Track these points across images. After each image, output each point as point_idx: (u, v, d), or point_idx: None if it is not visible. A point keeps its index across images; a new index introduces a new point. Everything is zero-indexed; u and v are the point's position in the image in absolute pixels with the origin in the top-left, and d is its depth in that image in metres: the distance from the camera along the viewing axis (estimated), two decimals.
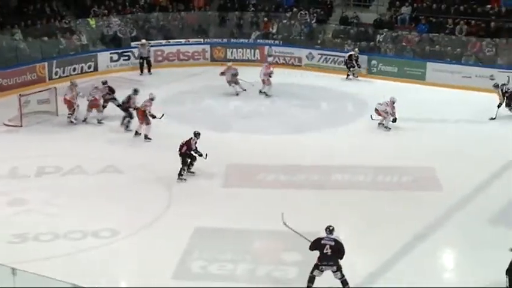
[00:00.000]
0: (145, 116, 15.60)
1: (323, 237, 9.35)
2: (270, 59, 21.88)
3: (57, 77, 20.90)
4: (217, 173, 13.82)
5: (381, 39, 22.79)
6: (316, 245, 9.35)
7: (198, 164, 14.01)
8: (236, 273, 10.23)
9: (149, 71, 21.95)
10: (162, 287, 9.69)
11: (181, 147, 13.39)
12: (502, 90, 17.24)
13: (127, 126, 16.36)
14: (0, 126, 16.55)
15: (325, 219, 11.73)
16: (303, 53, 23.12)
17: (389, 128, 16.35)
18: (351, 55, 21.55)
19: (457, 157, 14.74)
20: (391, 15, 23.78)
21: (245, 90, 19.53)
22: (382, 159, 14.65)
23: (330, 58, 22.69)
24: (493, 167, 14.13)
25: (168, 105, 17.93)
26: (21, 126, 16.59)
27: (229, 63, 20.17)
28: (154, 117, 15.60)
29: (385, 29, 22.87)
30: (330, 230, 9.37)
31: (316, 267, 9.35)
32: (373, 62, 22.13)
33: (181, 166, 13.35)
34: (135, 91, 16.51)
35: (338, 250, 9.27)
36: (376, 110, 16.52)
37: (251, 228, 11.51)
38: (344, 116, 18.15)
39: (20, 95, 16.99)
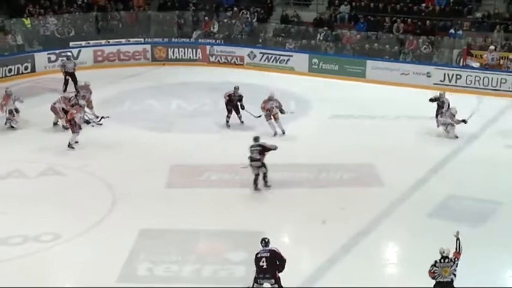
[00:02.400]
0: (73, 125, 15.10)
1: (259, 251, 9.02)
2: (212, 59, 21.73)
3: None
4: (161, 174, 13.70)
5: (321, 38, 23.06)
6: (254, 260, 9.03)
7: (141, 165, 13.88)
8: (182, 274, 10.18)
9: (76, 87, 18.79)
10: None
11: None
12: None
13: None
14: None
15: (267, 217, 11.94)
16: (244, 52, 23.17)
17: (457, 137, 15.88)
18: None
19: (397, 153, 15.05)
20: (330, 14, 24.12)
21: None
22: (323, 157, 14.80)
23: (271, 57, 22.83)
24: (431, 163, 14.48)
25: (109, 106, 17.69)
26: None
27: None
28: (88, 122, 15.38)
29: (325, 28, 23.16)
30: (265, 242, 9.06)
31: (255, 280, 9.05)
32: (314, 60, 22.36)
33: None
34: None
35: (275, 262, 8.95)
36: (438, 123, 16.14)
37: (196, 228, 11.47)
38: (286, 115, 18.23)
39: None
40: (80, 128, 15.15)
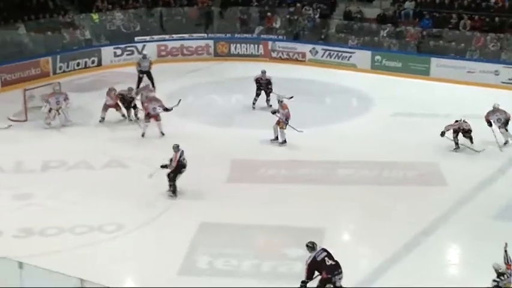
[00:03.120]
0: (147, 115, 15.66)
1: (314, 256, 8.85)
2: (273, 55, 21.72)
3: (61, 71, 20.97)
4: (222, 168, 13.83)
5: (384, 34, 22.76)
6: (314, 267, 8.81)
7: (203, 158, 14.06)
8: (241, 269, 10.25)
9: (153, 86, 19.06)
10: (169, 282, 9.70)
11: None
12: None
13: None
14: (4, 121, 16.57)
15: (328, 215, 11.89)
16: (306, 48, 23.09)
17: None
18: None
19: (462, 152, 14.74)
20: (394, 10, 23.75)
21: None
22: (386, 155, 14.64)
23: (333, 53, 22.67)
24: (497, 163, 14.13)
25: (171, 100, 17.90)
26: (25, 120, 16.62)
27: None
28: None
29: (389, 24, 22.83)
30: (312, 245, 8.93)
31: (327, 280, 8.76)
32: (377, 57, 22.08)
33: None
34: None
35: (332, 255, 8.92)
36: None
37: (256, 224, 11.52)
38: (348, 111, 18.15)
39: (24, 89, 17.01)
40: (149, 121, 15.58)
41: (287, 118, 15.21)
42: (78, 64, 21.50)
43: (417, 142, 15.32)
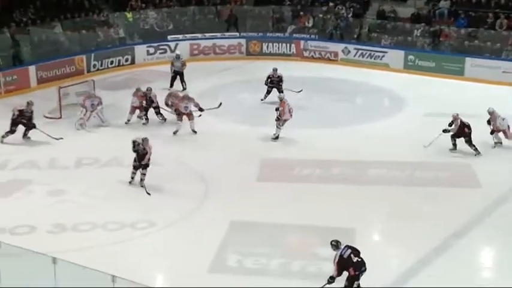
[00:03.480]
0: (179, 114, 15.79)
1: (341, 254, 8.91)
2: (305, 54, 21.69)
3: (95, 69, 21.25)
4: (252, 167, 13.86)
5: (418, 34, 22.53)
6: (342, 265, 8.87)
7: (233, 157, 14.09)
8: (270, 268, 10.27)
9: (183, 87, 19.31)
10: (199, 279, 9.78)
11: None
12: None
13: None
14: (40, 118, 16.82)
15: (359, 215, 11.83)
16: (338, 47, 23.00)
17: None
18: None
19: (496, 154, 14.54)
20: (429, 10, 23.50)
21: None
22: (418, 155, 14.52)
23: (366, 53, 22.54)
24: None
25: (203, 99, 17.99)
26: (60, 118, 16.87)
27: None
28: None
29: (423, 24, 22.60)
30: (336, 243, 9.02)
31: (355, 278, 8.87)
32: (410, 56, 21.88)
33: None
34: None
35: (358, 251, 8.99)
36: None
37: (285, 223, 11.53)
38: (380, 111, 18.03)
39: (59, 87, 17.27)
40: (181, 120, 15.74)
41: (281, 115, 15.38)
42: (111, 62, 21.77)
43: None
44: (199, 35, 23.65)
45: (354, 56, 22.74)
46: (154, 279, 10.19)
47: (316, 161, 14.26)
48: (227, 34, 23.86)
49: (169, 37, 23.20)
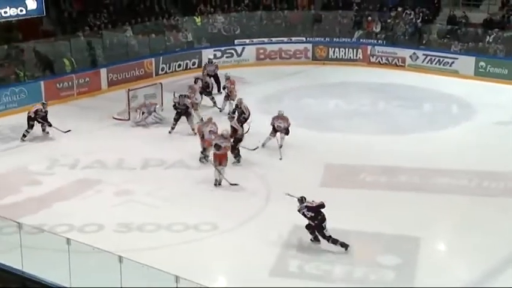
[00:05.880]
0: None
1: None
2: (372, 59, 21.43)
3: (163, 72, 21.62)
4: (316, 172, 13.81)
5: (490, 40, 21.94)
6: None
7: (296, 162, 14.06)
8: (333, 274, 10.21)
9: (219, 89, 19.35)
10: (260, 283, 9.81)
11: None
12: None
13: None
14: (109, 120, 17.29)
15: (423, 222, 11.61)
16: (406, 53, 22.64)
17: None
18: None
19: None
20: (503, 15, 22.84)
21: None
22: (487, 164, 14.15)
23: (435, 59, 22.10)
24: None
25: (269, 103, 18.12)
26: (128, 119, 17.24)
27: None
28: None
29: (496, 29, 22.00)
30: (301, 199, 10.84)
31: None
32: (481, 63, 21.32)
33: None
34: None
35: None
36: None
37: (349, 229, 11.40)
38: (448, 119, 17.66)
39: (128, 89, 17.67)
40: None
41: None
42: (179, 65, 22.12)
43: None
44: (265, 40, 23.76)
45: (422, 62, 22.33)
46: (215, 280, 10.27)
47: (381, 168, 14.09)
48: (293, 39, 23.86)
49: (236, 41, 23.41)
